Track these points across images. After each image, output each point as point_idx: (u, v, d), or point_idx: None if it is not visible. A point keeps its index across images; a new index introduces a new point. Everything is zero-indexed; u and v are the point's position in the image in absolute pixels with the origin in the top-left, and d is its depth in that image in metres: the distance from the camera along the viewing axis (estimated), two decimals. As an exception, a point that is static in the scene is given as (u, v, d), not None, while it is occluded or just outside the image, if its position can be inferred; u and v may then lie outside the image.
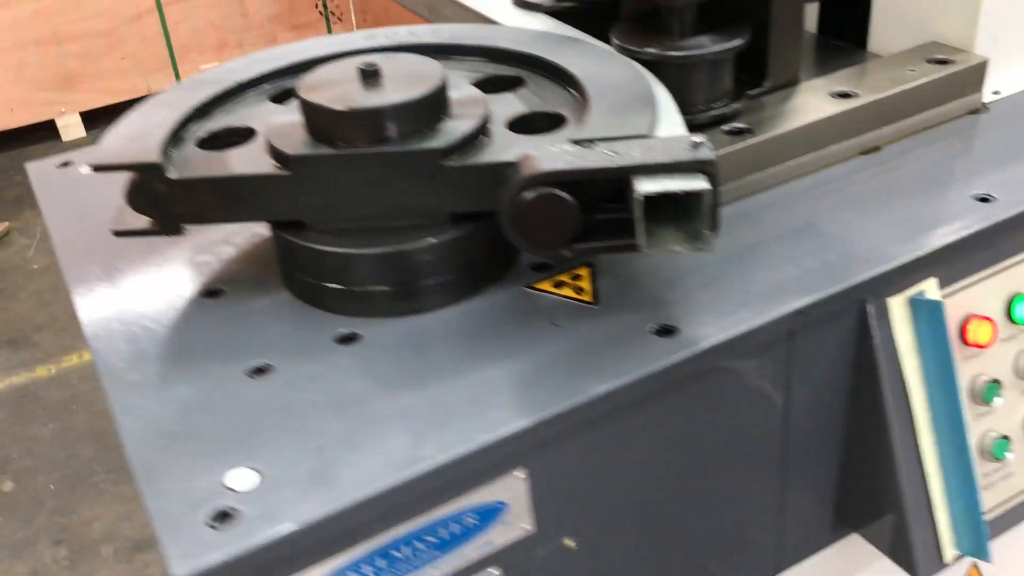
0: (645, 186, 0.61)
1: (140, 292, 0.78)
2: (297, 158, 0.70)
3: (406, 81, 0.72)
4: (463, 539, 0.63)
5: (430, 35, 0.85)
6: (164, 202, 0.72)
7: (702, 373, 0.69)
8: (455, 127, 0.71)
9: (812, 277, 0.72)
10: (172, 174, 0.71)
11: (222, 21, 3.97)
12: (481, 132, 0.71)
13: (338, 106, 0.70)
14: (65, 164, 1.00)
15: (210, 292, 0.77)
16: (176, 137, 0.75)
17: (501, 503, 0.64)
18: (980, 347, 0.80)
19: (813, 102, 0.87)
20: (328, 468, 0.59)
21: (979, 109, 0.95)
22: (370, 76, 0.72)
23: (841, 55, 1.05)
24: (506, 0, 1.01)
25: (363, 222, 0.72)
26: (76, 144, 3.69)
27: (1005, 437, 0.82)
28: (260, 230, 0.83)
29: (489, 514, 0.63)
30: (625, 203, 0.64)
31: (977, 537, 0.79)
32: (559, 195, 0.63)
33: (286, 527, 0.55)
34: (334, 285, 0.73)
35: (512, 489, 0.64)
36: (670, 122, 0.69)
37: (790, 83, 0.91)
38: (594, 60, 0.79)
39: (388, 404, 0.64)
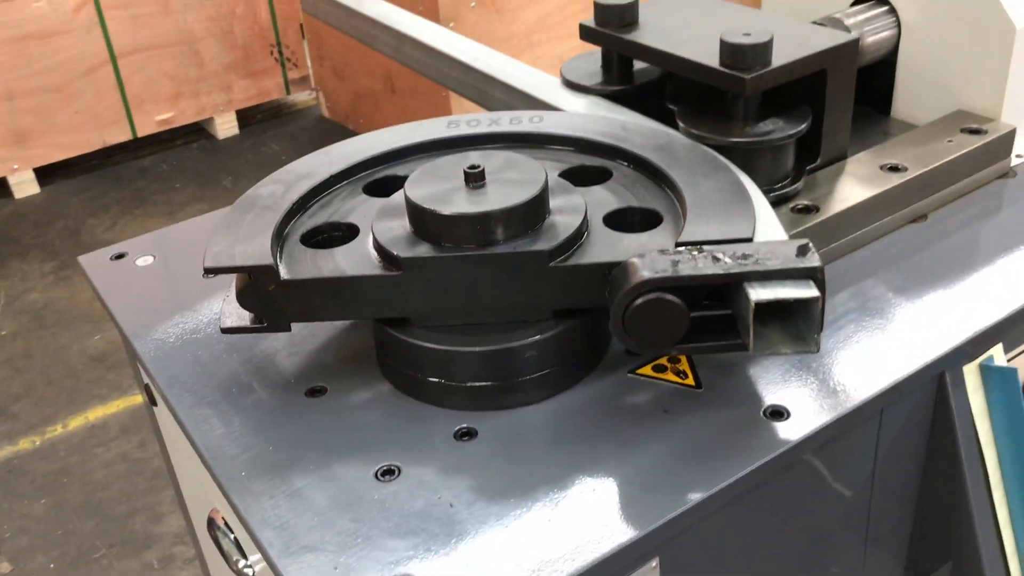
0: (759, 294, 0.64)
1: (241, 393, 0.78)
2: (408, 260, 0.72)
3: (509, 181, 0.74)
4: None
5: (512, 123, 0.88)
6: (274, 301, 0.74)
7: (813, 451, 0.72)
8: (559, 227, 0.73)
9: (897, 351, 0.77)
10: (283, 275, 0.73)
11: (176, 71, 3.93)
12: (582, 230, 0.74)
13: (448, 210, 0.72)
14: (119, 256, 1.00)
15: (313, 391, 0.78)
16: (279, 235, 0.77)
17: (639, 592, 0.66)
18: (1043, 406, 0.84)
19: (866, 175, 0.92)
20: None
21: (1007, 173, 1.01)
22: (475, 178, 0.74)
23: (867, 122, 1.10)
24: (555, 81, 1.04)
25: (467, 319, 0.74)
26: (30, 201, 3.61)
27: (1066, 487, 0.87)
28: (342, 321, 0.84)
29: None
30: (728, 303, 0.67)
31: (1051, 586, 0.84)
32: (671, 300, 0.66)
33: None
34: (439, 380, 0.75)
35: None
36: (766, 220, 0.73)
37: (839, 158, 0.95)
38: (684, 154, 0.81)
39: (523, 504, 0.65)
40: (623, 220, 0.76)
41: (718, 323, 0.69)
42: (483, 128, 0.87)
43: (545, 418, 0.73)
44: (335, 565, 0.61)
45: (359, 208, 0.81)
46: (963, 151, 0.95)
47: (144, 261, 0.98)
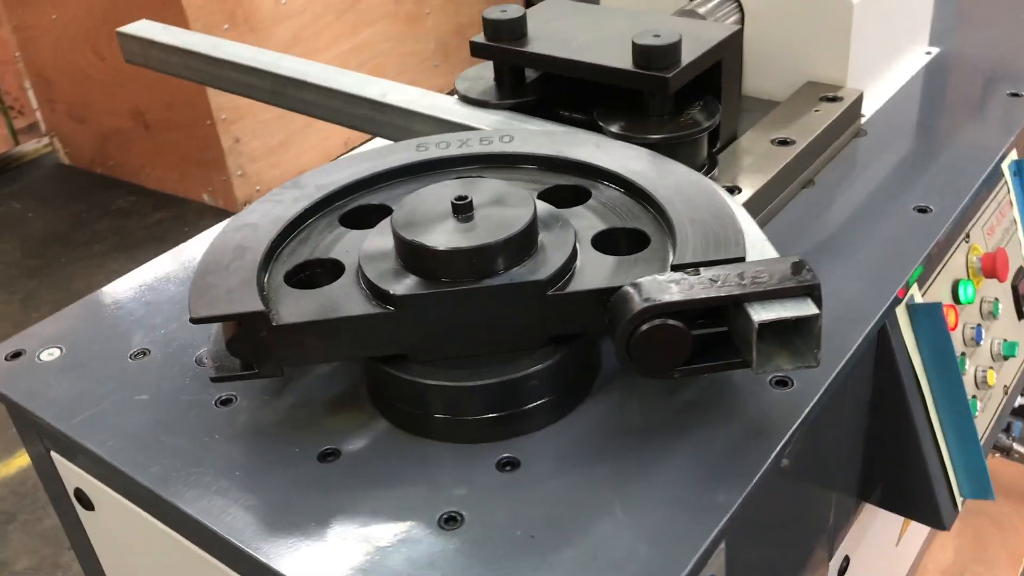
0: (760, 315, 0.64)
1: (247, 474, 0.73)
2: (403, 299, 0.70)
3: (497, 211, 0.74)
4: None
5: (482, 144, 0.87)
6: (267, 347, 0.70)
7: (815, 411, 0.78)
8: (551, 254, 0.73)
9: (851, 309, 0.84)
10: (275, 320, 0.70)
11: None
12: (575, 256, 0.74)
13: (442, 245, 0.71)
14: (16, 355, 0.88)
15: (325, 455, 0.74)
16: (262, 276, 0.74)
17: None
18: (952, 330, 0.97)
19: (764, 152, 1.00)
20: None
21: (860, 132, 1.13)
22: (463, 209, 0.73)
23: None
24: (452, 100, 1.03)
25: (463, 352, 0.73)
26: None
27: (972, 397, 1.01)
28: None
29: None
30: (724, 321, 0.68)
31: (983, 483, 0.96)
32: (675, 325, 0.66)
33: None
34: (443, 416, 0.73)
35: (717, 561, 0.69)
36: (754, 236, 0.75)
37: (733, 139, 1.03)
38: (663, 170, 0.81)
39: (604, 514, 0.66)
40: (610, 242, 0.76)
41: (716, 341, 0.69)
42: (454, 150, 0.86)
43: (573, 436, 0.73)
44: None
45: (339, 242, 0.79)
46: (832, 118, 1.06)
47: (49, 355, 0.88)
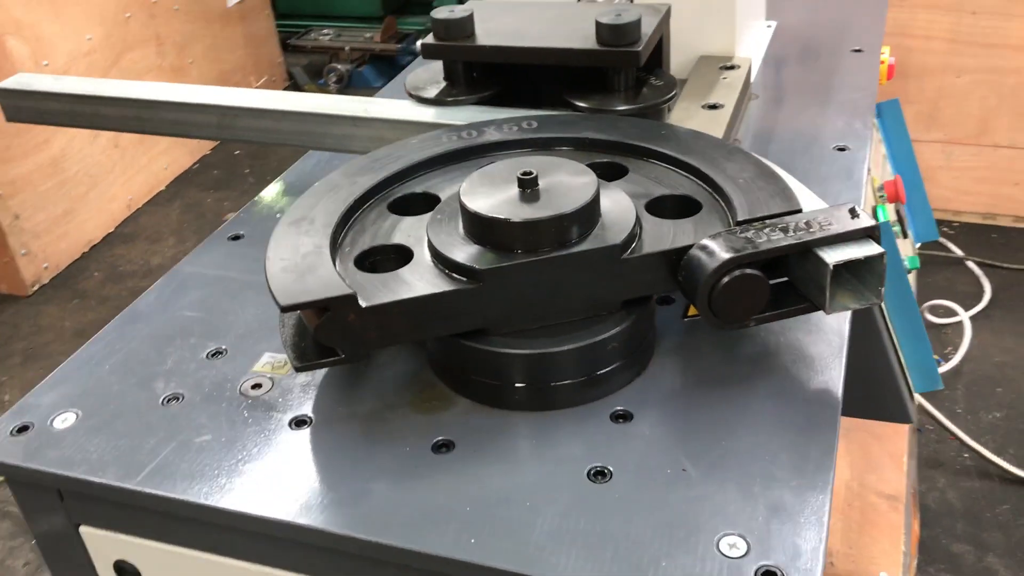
0: (832, 257, 0.69)
1: (388, 478, 0.70)
2: (487, 272, 0.72)
3: (559, 184, 0.76)
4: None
5: (508, 131, 0.89)
6: (353, 331, 0.71)
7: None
8: (617, 221, 0.76)
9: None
10: (363, 302, 0.70)
11: None
12: (640, 221, 0.77)
13: (520, 217, 0.73)
14: (23, 429, 0.79)
15: (440, 446, 0.73)
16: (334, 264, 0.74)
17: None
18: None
19: (704, 117, 1.09)
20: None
21: (752, 96, 1.26)
22: (529, 183, 0.75)
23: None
24: (407, 102, 1.04)
25: (542, 321, 0.76)
26: None
27: (904, 306, 1.15)
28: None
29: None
30: (788, 271, 0.74)
31: (932, 377, 1.11)
32: (754, 274, 0.71)
33: None
34: (517, 384, 0.75)
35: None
36: (801, 190, 0.81)
37: (670, 107, 1.11)
38: (691, 141, 0.86)
39: (735, 445, 0.71)
40: (663, 208, 0.80)
41: (785, 290, 0.74)
42: (485, 138, 0.88)
43: (660, 390, 0.77)
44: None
45: (397, 228, 0.80)
46: (741, 82, 1.17)
47: (64, 421, 0.79)
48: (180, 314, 0.91)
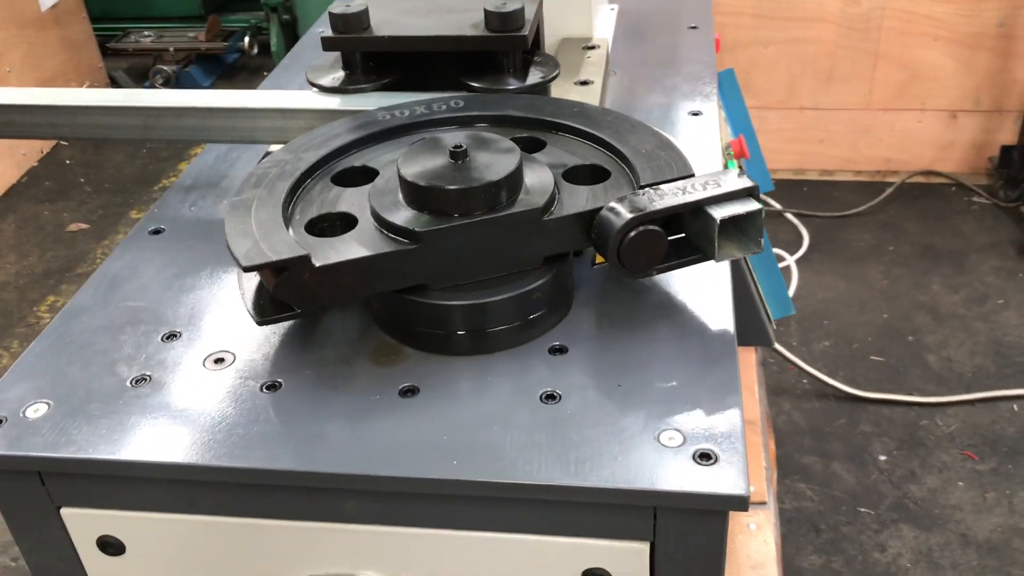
0: (719, 212, 0.82)
1: (361, 427, 0.79)
2: (425, 234, 0.82)
3: (485, 155, 0.87)
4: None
5: (437, 110, 0.99)
6: (309, 288, 0.80)
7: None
8: (538, 186, 0.87)
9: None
10: (316, 262, 0.80)
11: None
12: (558, 187, 0.89)
13: (455, 185, 0.83)
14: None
15: (406, 391, 0.82)
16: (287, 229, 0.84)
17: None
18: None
19: (578, 92, 1.22)
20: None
21: (612, 73, 1.40)
22: (460, 155, 0.85)
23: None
24: (311, 92, 1.11)
25: (473, 276, 0.86)
26: None
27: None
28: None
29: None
30: (682, 228, 0.85)
31: (786, 304, 1.29)
32: (655, 230, 0.83)
33: None
34: (463, 332, 0.86)
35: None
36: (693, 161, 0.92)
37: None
38: (600, 117, 0.97)
39: (653, 364, 0.84)
40: (577, 176, 0.91)
41: (678, 246, 0.87)
42: (416, 116, 0.99)
43: (583, 331, 0.89)
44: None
45: (340, 198, 0.90)
46: (604, 59, 1.31)
47: (36, 411, 0.83)
48: (123, 305, 0.96)
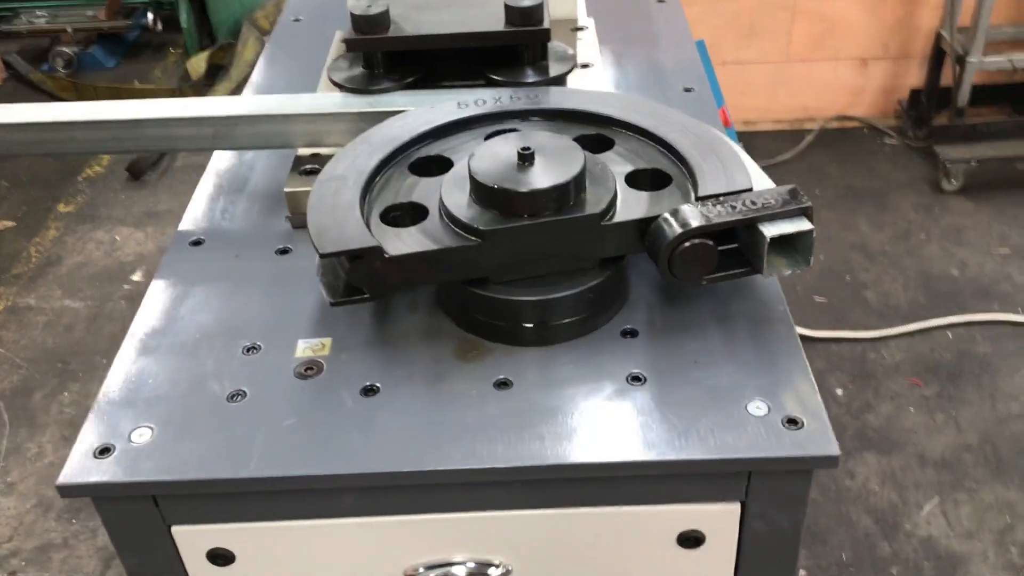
0: (770, 231, 0.84)
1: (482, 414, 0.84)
2: (490, 232, 0.87)
3: (553, 156, 0.91)
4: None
5: (513, 102, 1.04)
6: (379, 275, 0.87)
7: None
8: (600, 192, 0.91)
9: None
10: (389, 252, 0.86)
11: None
12: (617, 193, 0.92)
13: (522, 188, 0.88)
14: (104, 451, 0.83)
15: (500, 384, 0.87)
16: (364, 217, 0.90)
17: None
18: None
19: (579, 74, 1.27)
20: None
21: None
22: (527, 158, 0.90)
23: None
24: (337, 95, 1.13)
25: (533, 273, 0.91)
26: None
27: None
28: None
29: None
30: (736, 239, 0.88)
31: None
32: (706, 243, 0.86)
33: None
34: (546, 324, 0.91)
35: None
36: (754, 171, 0.95)
37: (550, 71, 1.28)
38: (674, 120, 0.99)
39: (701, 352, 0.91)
40: (638, 181, 0.95)
41: (730, 256, 0.90)
42: (491, 107, 1.04)
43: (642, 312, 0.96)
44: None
45: (416, 187, 0.96)
46: (595, 41, 1.36)
47: (141, 436, 0.84)
48: (190, 321, 0.97)
